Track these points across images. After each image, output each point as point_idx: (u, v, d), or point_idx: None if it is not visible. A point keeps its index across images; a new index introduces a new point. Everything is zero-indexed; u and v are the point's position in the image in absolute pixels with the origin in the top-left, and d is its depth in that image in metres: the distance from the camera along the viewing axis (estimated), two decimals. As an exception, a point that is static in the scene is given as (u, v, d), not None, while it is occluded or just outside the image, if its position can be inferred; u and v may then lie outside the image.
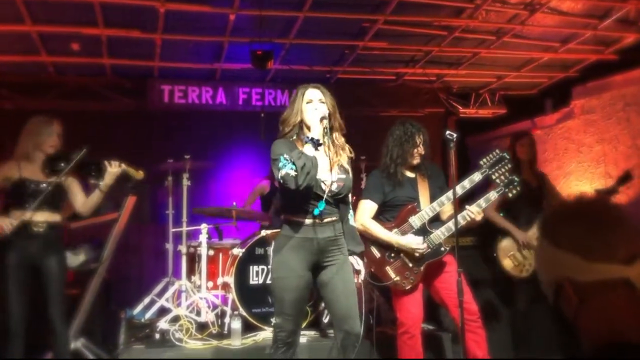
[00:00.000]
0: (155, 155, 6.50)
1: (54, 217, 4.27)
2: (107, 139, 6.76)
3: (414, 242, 4.11)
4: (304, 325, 5.10)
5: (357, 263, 3.62)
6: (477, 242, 5.51)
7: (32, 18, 5.97)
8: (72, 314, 4.79)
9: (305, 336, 5.07)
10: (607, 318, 1.28)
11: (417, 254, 4.11)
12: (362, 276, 3.63)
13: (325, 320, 5.39)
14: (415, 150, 4.24)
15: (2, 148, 7.31)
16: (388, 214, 4.29)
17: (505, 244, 4.96)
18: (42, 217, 4.18)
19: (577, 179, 7.58)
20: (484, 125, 9.33)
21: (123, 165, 4.27)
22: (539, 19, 6.51)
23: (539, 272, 1.43)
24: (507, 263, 4.95)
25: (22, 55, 6.97)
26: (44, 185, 4.20)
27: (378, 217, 4.30)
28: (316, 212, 3.38)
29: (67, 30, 6.29)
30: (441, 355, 5.01)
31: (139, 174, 4.37)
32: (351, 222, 3.65)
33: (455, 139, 3.77)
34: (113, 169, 4.20)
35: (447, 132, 3.81)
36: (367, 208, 4.28)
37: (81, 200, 4.38)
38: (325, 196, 3.37)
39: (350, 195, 3.64)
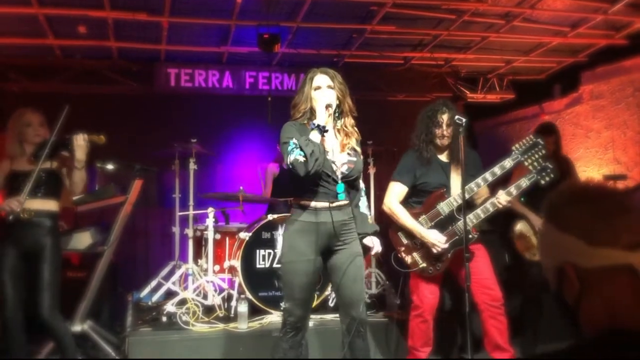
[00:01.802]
0: (161, 139, 6.49)
1: (47, 205, 4.20)
2: (113, 123, 6.75)
3: (436, 238, 4.05)
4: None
5: (373, 242, 3.61)
6: (493, 227, 5.51)
7: (39, 1, 5.95)
8: (79, 297, 4.81)
9: (311, 320, 5.08)
10: (608, 304, 1.28)
11: (435, 251, 4.07)
12: (376, 249, 3.62)
13: (332, 304, 5.40)
14: (438, 130, 4.13)
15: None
16: (417, 198, 4.21)
17: (521, 227, 4.97)
18: (33, 205, 4.12)
19: (585, 164, 7.55)
20: (492, 110, 9.30)
21: (86, 136, 4.13)
22: (549, 2, 6.45)
23: (542, 256, 1.42)
24: (521, 245, 4.96)
25: (29, 38, 6.96)
26: (31, 173, 4.12)
27: (407, 200, 4.22)
28: (341, 197, 3.38)
29: (74, 13, 6.27)
30: (452, 342, 5.01)
31: (101, 139, 4.28)
32: (362, 209, 3.61)
33: (464, 124, 3.71)
34: (79, 142, 4.10)
35: (457, 117, 3.75)
36: (396, 191, 4.20)
37: (69, 181, 4.35)
38: (339, 178, 3.36)
39: (360, 180, 3.61)
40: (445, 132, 4.14)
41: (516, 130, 9.08)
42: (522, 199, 5.01)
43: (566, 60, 8.29)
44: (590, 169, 7.48)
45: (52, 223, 4.23)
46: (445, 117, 4.13)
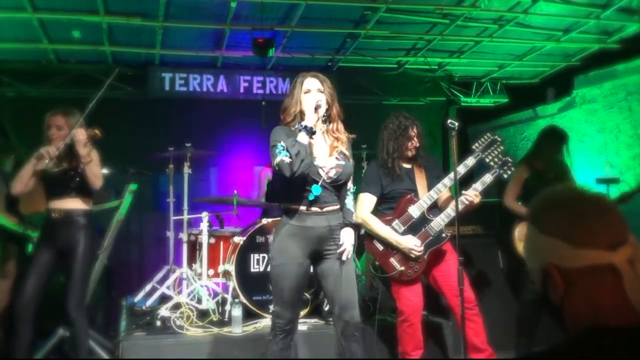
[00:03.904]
0: (156, 143, 6.47)
1: (74, 204, 4.26)
2: (107, 127, 6.70)
3: (411, 242, 4.12)
4: (305, 313, 5.13)
5: (345, 237, 3.54)
6: (489, 230, 5.54)
7: (33, 5, 5.95)
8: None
9: (306, 324, 5.09)
10: (591, 302, 1.32)
11: (412, 255, 4.12)
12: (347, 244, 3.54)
13: (326, 308, 5.40)
14: (410, 143, 4.24)
15: (4, 133, 7.35)
16: (387, 205, 4.29)
17: (521, 228, 4.99)
18: (61, 205, 4.22)
19: (578, 168, 7.58)
20: (486, 114, 9.33)
21: (82, 131, 4.20)
22: (541, 7, 6.48)
23: (528, 259, 1.47)
24: (521, 247, 4.97)
25: (23, 42, 6.96)
26: (57, 174, 4.24)
27: (377, 208, 4.29)
28: (311, 197, 3.39)
29: (68, 18, 6.28)
30: (441, 343, 5.03)
31: (96, 134, 4.31)
32: (348, 205, 3.63)
33: (456, 128, 3.77)
34: (77, 137, 4.15)
35: (449, 120, 3.81)
36: (367, 201, 4.27)
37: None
38: (321, 182, 3.37)
39: (350, 183, 3.64)
40: (416, 144, 4.26)
41: (510, 134, 9.12)
42: (519, 202, 5.04)
43: (559, 64, 8.35)
44: (584, 172, 7.50)
45: (85, 221, 4.29)
46: (416, 131, 4.26)
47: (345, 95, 3.67)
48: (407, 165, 4.32)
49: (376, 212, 4.28)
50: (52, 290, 4.33)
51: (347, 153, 3.56)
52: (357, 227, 3.72)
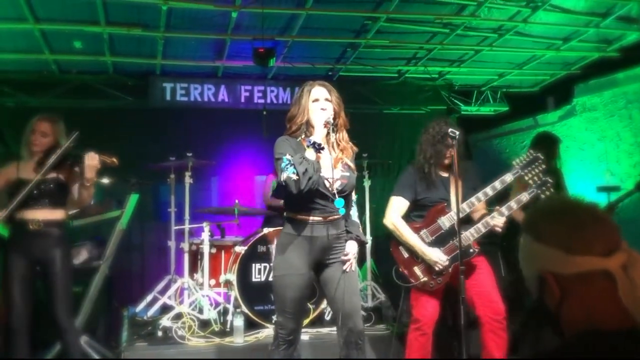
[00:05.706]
0: (157, 153, 6.49)
1: (53, 215, 4.19)
2: (109, 137, 6.75)
3: (436, 256, 4.03)
4: (306, 322, 5.12)
5: (349, 247, 3.55)
6: (492, 240, 5.53)
7: (35, 16, 5.98)
8: (75, 311, 4.79)
9: (307, 334, 5.08)
10: (586, 307, 1.37)
11: (437, 268, 4.04)
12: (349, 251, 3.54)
13: (328, 318, 5.40)
14: (449, 151, 4.10)
15: (4, 143, 7.35)
16: (417, 212, 4.20)
17: None
18: (39, 215, 4.13)
19: (578, 177, 7.58)
20: (486, 122, 9.34)
21: (97, 156, 4.12)
22: (541, 16, 6.50)
23: (523, 267, 1.52)
24: None
25: (25, 53, 6.99)
26: (39, 183, 4.13)
27: (408, 215, 4.21)
28: (342, 211, 3.36)
29: (70, 28, 6.30)
30: (450, 355, 4.98)
31: (113, 162, 4.28)
32: (353, 217, 3.64)
33: (457, 137, 3.74)
34: (90, 161, 4.09)
35: (450, 129, 3.80)
36: (398, 206, 4.18)
37: (75, 194, 4.32)
38: (336, 195, 3.35)
39: (353, 193, 3.63)
40: (453, 152, 4.15)
41: (510, 142, 9.12)
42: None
43: (559, 72, 8.37)
44: (584, 181, 7.50)
45: (61, 232, 4.23)
46: (456, 139, 4.15)
47: (346, 105, 3.64)
48: (444, 174, 4.21)
49: (406, 218, 4.18)
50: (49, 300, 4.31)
51: (351, 165, 3.55)
52: (362, 242, 3.71)
